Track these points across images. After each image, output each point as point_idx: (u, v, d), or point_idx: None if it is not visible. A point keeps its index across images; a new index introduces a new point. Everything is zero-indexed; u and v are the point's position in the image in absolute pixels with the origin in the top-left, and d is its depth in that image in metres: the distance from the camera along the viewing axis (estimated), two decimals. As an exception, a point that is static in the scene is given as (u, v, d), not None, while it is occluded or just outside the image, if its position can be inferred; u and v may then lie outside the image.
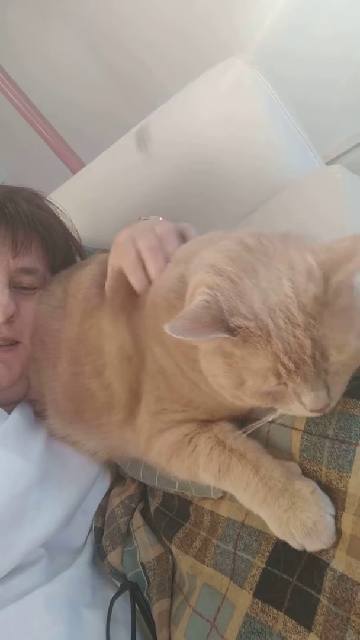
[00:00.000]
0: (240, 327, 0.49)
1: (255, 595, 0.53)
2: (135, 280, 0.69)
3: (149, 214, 0.89)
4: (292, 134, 1.21)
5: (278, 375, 0.49)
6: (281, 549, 0.53)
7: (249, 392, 0.52)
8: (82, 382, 0.73)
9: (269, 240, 0.55)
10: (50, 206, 0.96)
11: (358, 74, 1.45)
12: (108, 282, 0.74)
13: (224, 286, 0.52)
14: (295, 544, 0.51)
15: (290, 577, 0.52)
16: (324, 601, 0.49)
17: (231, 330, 0.49)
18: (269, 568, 0.54)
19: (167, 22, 1.48)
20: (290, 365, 0.48)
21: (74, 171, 1.43)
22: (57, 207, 0.97)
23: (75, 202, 1.27)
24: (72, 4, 1.49)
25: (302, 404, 0.50)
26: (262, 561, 0.55)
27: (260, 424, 0.58)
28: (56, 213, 0.96)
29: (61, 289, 0.85)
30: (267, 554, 0.55)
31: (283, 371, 0.49)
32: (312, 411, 0.51)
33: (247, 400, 0.53)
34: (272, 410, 0.56)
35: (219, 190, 1.21)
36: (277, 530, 0.52)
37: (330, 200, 1.06)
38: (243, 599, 0.54)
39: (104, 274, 0.77)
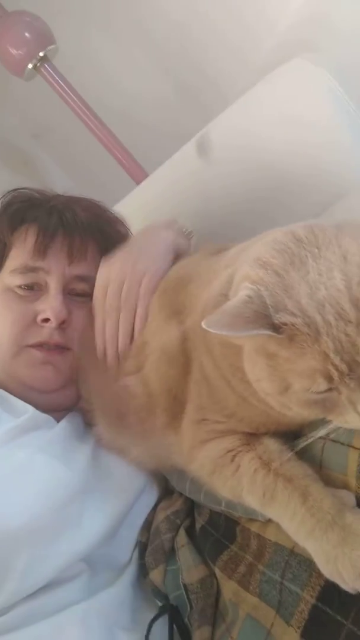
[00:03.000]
0: (285, 324, 0.44)
1: (302, 636, 0.47)
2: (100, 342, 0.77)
3: (176, 220, 0.91)
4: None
5: (328, 378, 0.43)
6: (334, 583, 0.46)
7: (295, 399, 0.46)
8: (123, 382, 0.71)
9: (322, 230, 0.49)
10: (110, 215, 0.96)
11: None
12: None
13: (268, 280, 0.47)
14: (344, 585, 0.44)
15: (344, 619, 0.45)
16: None
17: (276, 328, 0.44)
18: (320, 605, 0.47)
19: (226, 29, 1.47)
20: (343, 366, 0.43)
21: (137, 182, 1.43)
22: (116, 216, 0.97)
23: (139, 211, 1.28)
24: (132, 15, 1.53)
25: (358, 413, 0.44)
26: (311, 596, 0.48)
27: (311, 440, 0.52)
28: (115, 222, 0.96)
29: None
30: (318, 588, 0.48)
31: (334, 373, 0.43)
32: None
33: (294, 409, 0.48)
34: (324, 423, 0.50)
35: (285, 194, 1.16)
36: (325, 568, 0.46)
37: None
38: (289, 638, 0.48)
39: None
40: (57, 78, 1.38)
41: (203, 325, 0.44)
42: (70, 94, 1.38)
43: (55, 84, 1.38)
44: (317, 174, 1.10)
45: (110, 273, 0.79)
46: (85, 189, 0.98)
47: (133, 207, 1.31)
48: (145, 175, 1.45)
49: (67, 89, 1.38)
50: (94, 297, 0.80)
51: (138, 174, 1.47)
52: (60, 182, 1.71)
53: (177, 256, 0.82)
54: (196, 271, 0.70)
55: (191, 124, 1.24)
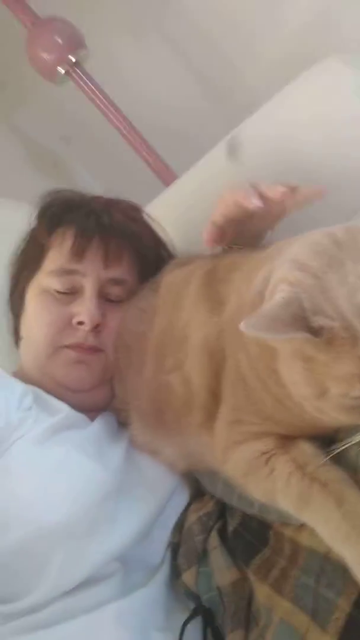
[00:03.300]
0: (323, 328, 0.44)
1: None
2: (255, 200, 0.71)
3: None
4: None
5: None
6: None
7: (332, 404, 0.46)
8: (163, 378, 0.71)
9: None
10: (147, 219, 0.97)
11: None
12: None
13: (306, 283, 0.47)
14: None
15: None
16: None
17: (313, 331, 0.44)
18: (356, 613, 0.47)
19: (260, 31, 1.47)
20: None
21: (167, 184, 1.44)
22: (153, 220, 0.98)
23: (168, 214, 1.28)
24: (161, 20, 1.53)
25: None
26: (347, 604, 0.47)
27: (347, 445, 0.51)
28: (152, 226, 0.96)
29: (150, 292, 0.84)
30: (354, 596, 0.47)
31: None
32: None
33: (331, 414, 0.47)
34: (361, 428, 0.49)
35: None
36: None
37: None
38: (325, 645, 0.47)
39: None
40: (88, 82, 1.40)
41: (241, 327, 0.44)
42: (102, 97, 1.39)
43: (86, 88, 1.40)
44: (351, 176, 1.08)
45: None
46: (113, 192, 0.99)
47: (162, 210, 1.31)
48: (174, 177, 1.46)
49: (98, 93, 1.40)
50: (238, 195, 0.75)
51: (167, 177, 1.48)
52: (89, 184, 1.74)
53: None
54: (241, 261, 0.69)
55: (219, 128, 1.24)
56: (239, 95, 1.53)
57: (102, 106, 1.41)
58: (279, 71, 1.18)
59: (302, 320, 0.44)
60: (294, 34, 1.41)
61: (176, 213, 1.29)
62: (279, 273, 0.51)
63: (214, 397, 0.64)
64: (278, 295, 0.47)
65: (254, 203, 0.71)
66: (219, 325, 0.64)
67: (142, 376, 0.76)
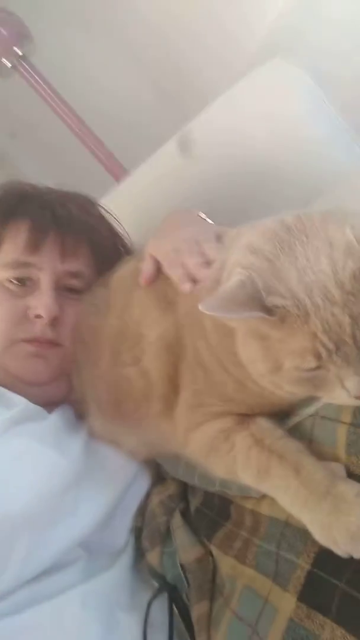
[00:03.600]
0: (277, 307, 0.47)
1: (299, 599, 0.49)
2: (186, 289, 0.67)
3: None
4: (338, 131, 1.18)
5: (317, 356, 0.46)
6: (328, 549, 0.49)
7: (287, 377, 0.49)
8: (121, 372, 0.72)
9: (309, 218, 0.52)
10: (102, 212, 0.97)
11: None
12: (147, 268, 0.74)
13: (259, 265, 0.50)
14: (339, 551, 0.47)
15: (339, 580, 0.48)
16: None
17: (268, 310, 0.47)
18: (315, 570, 0.50)
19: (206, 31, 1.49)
20: (330, 345, 0.45)
21: (117, 179, 1.45)
22: (109, 213, 0.98)
23: (120, 209, 1.29)
24: (111, 15, 1.54)
25: (345, 389, 0.47)
26: (307, 562, 0.51)
27: (303, 417, 0.55)
28: (108, 219, 0.97)
29: (103, 287, 0.85)
30: (313, 555, 0.51)
31: (323, 352, 0.46)
32: (357, 397, 0.47)
33: (286, 387, 0.50)
34: (314, 402, 0.52)
35: (266, 190, 1.19)
36: (319, 536, 0.49)
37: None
38: (286, 603, 0.50)
39: None
40: (35, 76, 1.38)
41: (200, 307, 0.46)
42: (49, 91, 1.38)
43: (34, 82, 1.39)
44: (298, 170, 1.13)
45: (176, 243, 0.73)
46: (63, 187, 0.98)
47: (114, 205, 1.32)
48: (125, 173, 1.47)
49: (45, 87, 1.39)
50: (166, 268, 0.72)
51: (117, 172, 1.49)
52: (37, 180, 1.71)
53: None
54: None
55: (170, 124, 1.26)
56: (188, 94, 1.55)
57: (50, 100, 1.40)
58: (230, 67, 1.21)
59: (257, 300, 0.47)
60: (246, 31, 1.45)
61: (129, 209, 1.30)
62: (234, 258, 0.54)
63: (173, 386, 0.66)
64: (234, 277, 0.50)
65: (186, 288, 0.67)
66: (174, 319, 0.66)
67: (98, 369, 0.77)
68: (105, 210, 0.98)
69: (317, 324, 0.46)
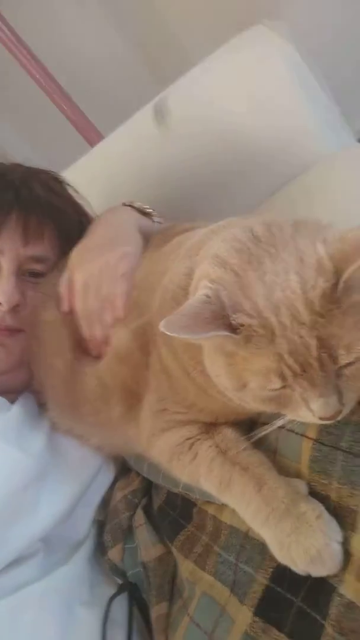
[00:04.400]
0: (242, 325, 0.44)
1: (255, 614, 0.50)
2: (90, 335, 0.72)
3: (134, 201, 0.87)
4: (323, 109, 1.13)
5: (282, 377, 0.44)
6: (285, 566, 0.49)
7: (252, 395, 0.47)
8: (77, 373, 0.70)
9: (280, 229, 0.49)
10: (69, 190, 0.92)
11: None
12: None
13: (227, 280, 0.47)
14: (297, 570, 0.47)
15: (295, 597, 0.48)
16: (328, 629, 0.45)
17: (233, 328, 0.44)
18: (272, 586, 0.50)
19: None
20: (296, 367, 0.44)
21: (91, 144, 1.38)
22: (75, 190, 0.93)
23: (92, 176, 1.23)
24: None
25: (310, 410, 0.45)
26: (265, 577, 0.51)
27: (268, 430, 0.53)
28: (75, 199, 0.92)
29: (58, 274, 0.80)
30: (271, 570, 0.51)
31: (288, 373, 0.44)
32: (321, 418, 0.46)
33: (251, 405, 0.49)
34: (281, 414, 0.51)
35: (243, 167, 1.14)
36: (278, 554, 0.48)
37: (358, 180, 0.99)
38: (243, 616, 0.51)
39: None
40: (7, 32, 1.28)
41: (161, 328, 0.43)
42: (22, 48, 1.28)
43: (5, 38, 1.28)
44: (277, 146, 1.09)
45: (87, 277, 0.74)
46: (37, 150, 0.93)
47: (86, 170, 1.26)
48: (99, 137, 1.40)
49: (17, 43, 1.28)
50: (77, 306, 0.74)
51: (92, 136, 1.42)
52: (12, 141, 1.62)
53: (142, 236, 0.79)
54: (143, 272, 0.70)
55: (149, 88, 1.19)
56: (171, 55, 1.46)
57: (22, 58, 1.30)
58: (213, 34, 1.13)
59: (222, 318, 0.45)
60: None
61: (99, 175, 1.25)
62: (201, 269, 0.51)
63: (132, 393, 0.65)
64: (200, 291, 0.47)
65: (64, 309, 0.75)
66: (128, 330, 0.65)
67: (54, 366, 0.75)
68: (73, 189, 0.92)
69: (283, 345, 0.44)
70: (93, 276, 0.73)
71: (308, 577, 0.47)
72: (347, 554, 0.46)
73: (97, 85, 1.52)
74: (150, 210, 0.87)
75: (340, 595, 0.45)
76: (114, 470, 0.81)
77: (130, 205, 0.86)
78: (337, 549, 0.46)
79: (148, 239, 0.79)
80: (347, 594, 0.45)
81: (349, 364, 0.45)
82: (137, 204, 0.86)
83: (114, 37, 1.53)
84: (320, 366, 0.44)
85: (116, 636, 0.62)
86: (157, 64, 1.52)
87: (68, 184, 0.92)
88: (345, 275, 0.44)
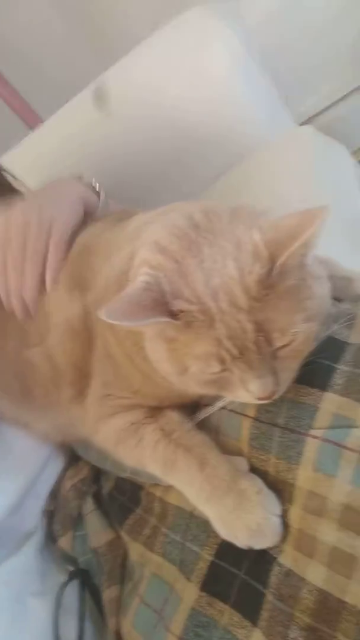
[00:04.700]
0: (182, 311, 0.45)
1: (202, 589, 0.52)
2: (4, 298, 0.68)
3: (79, 176, 0.83)
4: (262, 92, 1.15)
5: (221, 361, 0.46)
6: (229, 542, 0.51)
7: (193, 379, 0.48)
8: (26, 355, 0.68)
9: (218, 216, 0.50)
10: (6, 176, 0.89)
11: (334, 27, 1.36)
12: None
13: (167, 266, 0.47)
14: (240, 544, 0.49)
15: (238, 570, 0.51)
16: (269, 596, 0.47)
17: (173, 314, 0.45)
18: (217, 561, 0.52)
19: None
20: (234, 350, 0.45)
21: (30, 126, 1.34)
22: (13, 177, 0.91)
23: (30, 162, 1.20)
24: None
25: (248, 391, 0.47)
26: (209, 554, 0.53)
27: (211, 412, 0.55)
28: (14, 186, 0.89)
29: None
30: (215, 546, 0.53)
31: (227, 357, 0.45)
32: (258, 398, 0.48)
33: (193, 388, 0.50)
34: (222, 396, 0.53)
35: (185, 151, 1.14)
36: (221, 530, 0.51)
37: (298, 165, 1.01)
38: (190, 592, 0.52)
39: None
40: None
41: (101, 316, 0.44)
42: None
43: None
44: (217, 132, 1.09)
45: (10, 221, 0.68)
46: None
47: (27, 158, 1.22)
48: (38, 119, 1.36)
49: None
50: None
51: (30, 118, 1.37)
52: None
53: (87, 212, 0.76)
54: (97, 243, 0.67)
55: (90, 69, 1.16)
56: (112, 34, 1.43)
57: None
58: (155, 12, 1.12)
59: (162, 305, 0.45)
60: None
61: (39, 160, 1.21)
62: (141, 255, 0.51)
63: (82, 373, 0.64)
64: (139, 278, 0.47)
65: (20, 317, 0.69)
66: (82, 305, 0.63)
67: (4, 352, 0.73)
68: (12, 176, 0.89)
69: (222, 330, 0.45)
70: (16, 221, 0.68)
71: (250, 550, 0.50)
72: (285, 526, 0.49)
73: (34, 66, 1.47)
74: (96, 185, 0.84)
75: (280, 565, 0.48)
76: (63, 460, 0.80)
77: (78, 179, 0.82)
78: (276, 521, 0.48)
79: (90, 215, 0.77)
80: (285, 562, 0.48)
81: (284, 346, 0.47)
82: (85, 179, 0.84)
83: (52, 15, 1.48)
84: (257, 349, 0.45)
85: (68, 623, 0.62)
86: (97, 43, 1.48)
87: (4, 170, 0.89)
88: (279, 261, 0.45)
